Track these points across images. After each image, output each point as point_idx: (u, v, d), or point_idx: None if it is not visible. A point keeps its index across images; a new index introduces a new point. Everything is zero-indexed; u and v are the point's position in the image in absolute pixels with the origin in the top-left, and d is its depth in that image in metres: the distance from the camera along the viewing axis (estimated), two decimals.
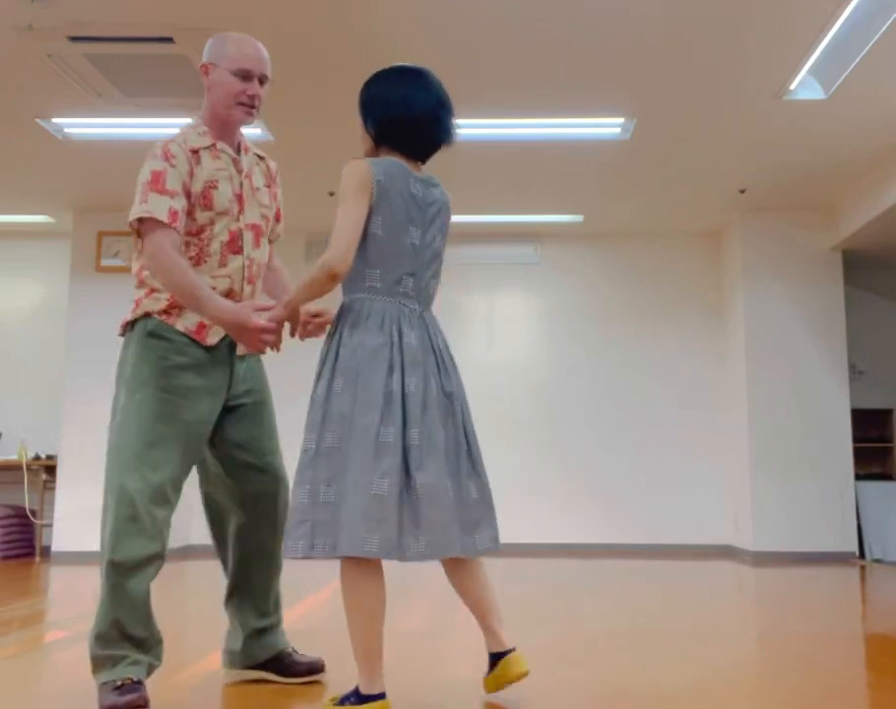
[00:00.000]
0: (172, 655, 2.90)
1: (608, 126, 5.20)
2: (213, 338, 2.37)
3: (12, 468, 6.93)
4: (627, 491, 7.06)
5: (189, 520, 7.05)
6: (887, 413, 7.41)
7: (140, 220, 2.27)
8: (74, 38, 4.12)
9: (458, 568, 2.30)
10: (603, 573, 5.48)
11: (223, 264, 2.38)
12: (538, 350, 7.26)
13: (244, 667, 2.54)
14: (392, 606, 4.00)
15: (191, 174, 2.33)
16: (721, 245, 7.28)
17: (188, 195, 2.32)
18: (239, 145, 2.50)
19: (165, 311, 2.34)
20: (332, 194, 6.38)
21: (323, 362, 2.21)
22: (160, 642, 2.32)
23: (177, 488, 2.31)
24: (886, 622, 3.56)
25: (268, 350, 2.28)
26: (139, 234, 2.31)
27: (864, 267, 7.45)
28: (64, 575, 5.43)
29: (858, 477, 7.16)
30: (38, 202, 6.63)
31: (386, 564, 2.40)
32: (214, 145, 2.41)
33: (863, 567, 5.95)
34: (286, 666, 2.52)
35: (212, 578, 5.22)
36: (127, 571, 2.20)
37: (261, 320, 2.21)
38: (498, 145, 5.44)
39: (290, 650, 2.57)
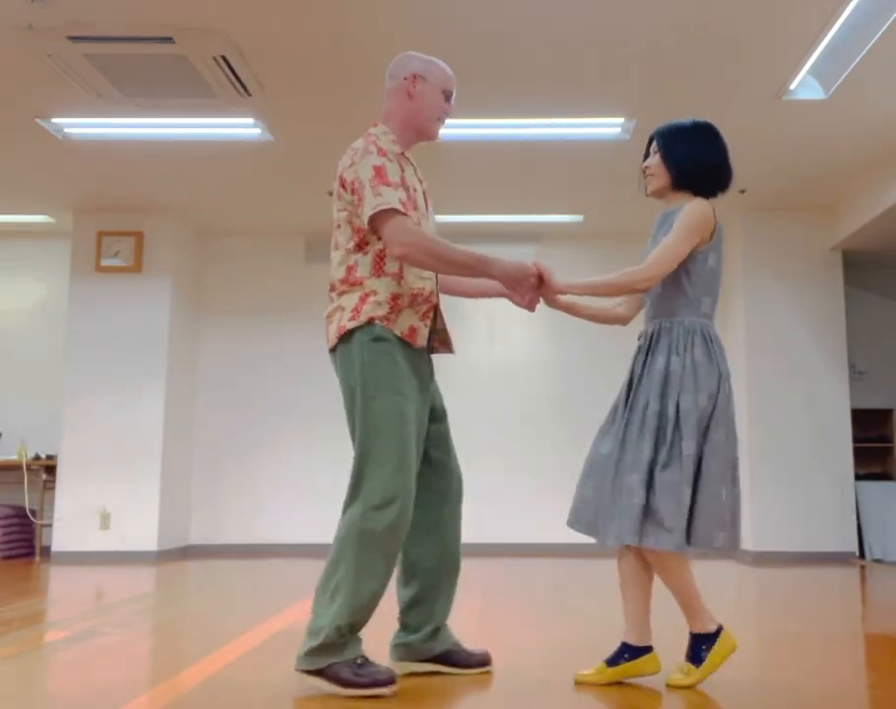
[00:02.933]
0: (173, 655, 2.90)
1: (607, 126, 5.20)
2: (422, 340, 2.48)
3: (12, 468, 6.93)
4: None
5: (189, 520, 7.05)
6: (887, 413, 7.40)
7: (378, 214, 2.33)
8: (74, 38, 4.12)
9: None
10: (603, 573, 5.48)
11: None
12: (538, 349, 7.26)
13: (419, 660, 2.60)
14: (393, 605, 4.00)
15: (403, 179, 2.44)
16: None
17: (406, 186, 2.43)
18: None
19: (387, 317, 2.41)
20: (331, 194, 6.37)
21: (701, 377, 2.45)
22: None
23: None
24: (886, 622, 3.56)
25: (529, 308, 2.58)
26: (374, 230, 2.38)
27: (864, 267, 7.45)
28: (64, 575, 5.43)
29: (858, 477, 7.15)
30: (38, 202, 6.63)
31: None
32: (403, 153, 2.53)
33: (863, 567, 5.94)
34: (460, 658, 2.61)
35: (212, 578, 5.23)
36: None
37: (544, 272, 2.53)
38: (498, 145, 5.44)
39: (459, 644, 2.66)
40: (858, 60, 4.29)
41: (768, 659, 2.82)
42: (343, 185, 2.45)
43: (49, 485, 6.85)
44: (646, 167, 2.63)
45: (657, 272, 2.43)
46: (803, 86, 4.70)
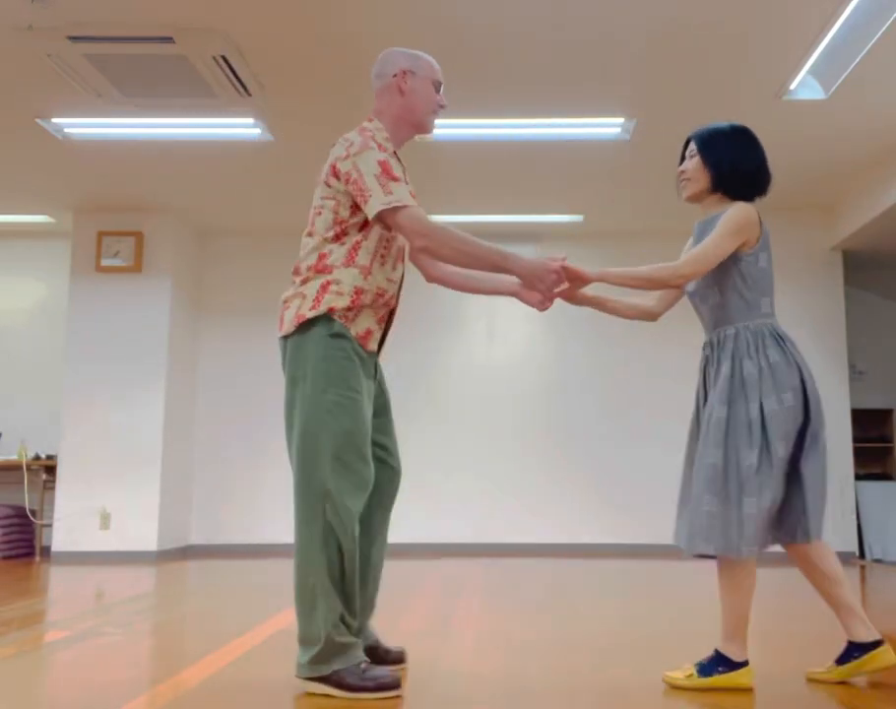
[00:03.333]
0: (173, 655, 2.90)
1: (607, 126, 5.20)
2: (373, 345, 2.46)
3: (12, 468, 6.93)
4: (627, 491, 7.06)
5: (189, 520, 7.06)
6: (887, 413, 7.40)
7: (392, 210, 2.31)
8: (74, 38, 4.12)
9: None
10: (603, 573, 5.48)
11: (394, 268, 2.48)
12: (538, 349, 7.26)
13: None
14: (394, 605, 4.00)
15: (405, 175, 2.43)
16: None
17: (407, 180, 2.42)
18: None
19: (346, 313, 2.37)
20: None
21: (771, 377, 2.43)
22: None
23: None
24: (886, 622, 3.56)
25: (540, 308, 2.57)
26: (384, 223, 2.37)
27: (864, 267, 7.45)
28: (64, 575, 5.43)
29: (858, 477, 7.15)
30: (38, 202, 6.63)
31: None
32: (395, 152, 2.49)
33: (863, 567, 5.94)
34: (379, 655, 2.58)
35: (212, 578, 5.23)
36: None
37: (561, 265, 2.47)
38: (498, 145, 5.44)
39: (379, 641, 2.63)
40: (858, 60, 4.29)
41: (767, 659, 2.83)
42: (335, 175, 2.41)
43: (49, 485, 6.85)
44: (682, 171, 2.61)
45: (694, 269, 2.42)
46: (803, 86, 4.70)
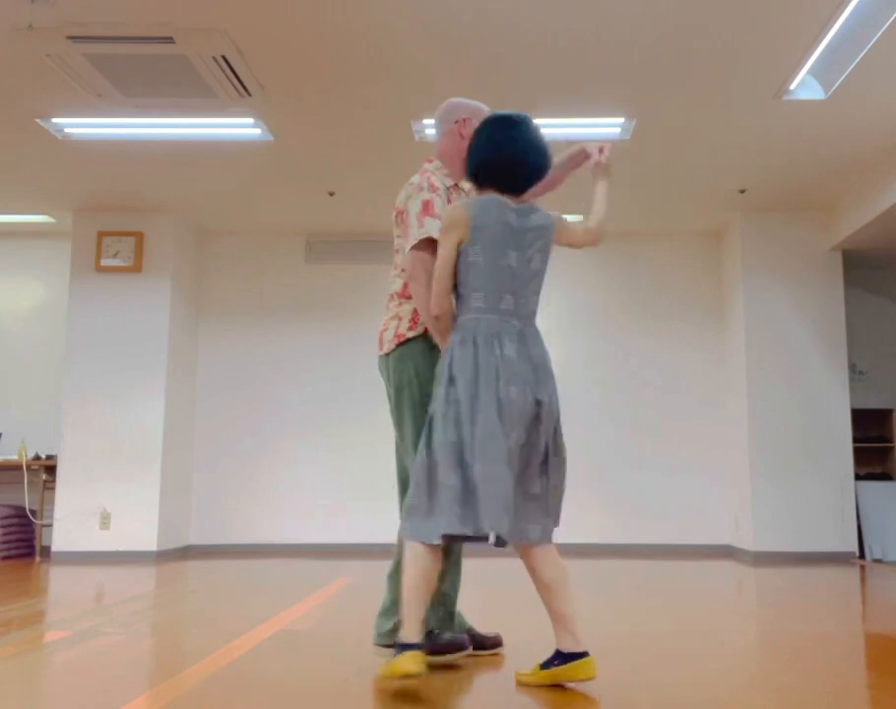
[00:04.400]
0: (173, 655, 2.90)
1: (608, 126, 5.20)
2: None
3: (12, 468, 6.93)
4: (627, 491, 7.06)
5: (189, 520, 7.06)
6: (887, 413, 7.40)
7: (417, 243, 2.60)
8: (74, 38, 4.12)
9: (525, 555, 2.49)
10: (602, 573, 5.48)
11: None
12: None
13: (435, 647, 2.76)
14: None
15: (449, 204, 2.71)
16: (721, 245, 7.28)
17: None
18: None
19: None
20: (332, 194, 6.38)
21: (441, 373, 2.47)
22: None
23: None
24: (886, 622, 3.56)
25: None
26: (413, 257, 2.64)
27: (864, 267, 7.45)
28: (64, 575, 5.43)
29: (858, 477, 7.16)
30: (38, 202, 6.63)
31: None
32: (456, 184, 2.84)
33: (863, 567, 5.94)
34: (477, 641, 2.88)
35: (212, 578, 5.23)
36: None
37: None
38: None
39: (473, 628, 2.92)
40: (858, 60, 4.29)
41: (767, 659, 2.83)
42: (398, 215, 2.77)
43: (49, 485, 6.85)
44: None
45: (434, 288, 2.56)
46: (803, 86, 4.70)
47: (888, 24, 3.95)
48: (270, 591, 4.60)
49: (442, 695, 2.35)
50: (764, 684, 2.47)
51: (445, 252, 2.48)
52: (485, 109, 2.88)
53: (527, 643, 3.08)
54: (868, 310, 7.53)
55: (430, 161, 2.88)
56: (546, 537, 2.48)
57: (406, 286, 2.74)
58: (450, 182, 2.83)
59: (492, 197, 2.51)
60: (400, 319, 2.73)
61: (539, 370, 2.45)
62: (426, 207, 2.65)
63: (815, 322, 6.67)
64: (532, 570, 2.48)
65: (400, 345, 2.72)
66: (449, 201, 2.76)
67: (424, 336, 2.69)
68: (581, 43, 4.23)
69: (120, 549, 6.44)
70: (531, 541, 2.45)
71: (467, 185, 2.89)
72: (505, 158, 2.51)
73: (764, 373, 6.63)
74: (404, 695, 2.35)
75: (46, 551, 6.82)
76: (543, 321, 7.23)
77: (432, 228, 2.60)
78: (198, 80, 4.53)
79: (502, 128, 2.54)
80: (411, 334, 2.70)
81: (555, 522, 2.51)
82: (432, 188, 2.69)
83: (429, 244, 2.60)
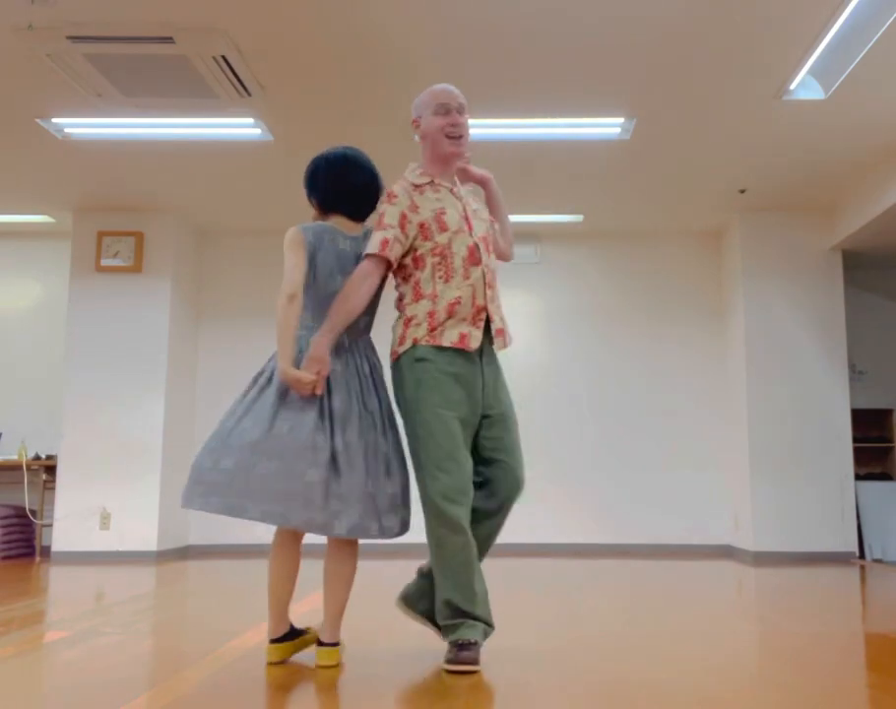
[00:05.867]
0: (173, 655, 2.90)
1: (608, 126, 5.20)
2: (475, 343, 2.68)
3: (12, 468, 6.93)
4: (627, 491, 7.06)
5: (189, 520, 7.06)
6: (887, 413, 7.41)
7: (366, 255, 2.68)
8: (74, 38, 4.12)
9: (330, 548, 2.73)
10: (602, 573, 5.48)
11: (466, 276, 2.69)
12: (537, 349, 7.26)
13: (426, 615, 2.87)
14: (394, 605, 4.00)
15: (414, 207, 2.70)
16: (721, 245, 7.28)
17: (404, 225, 2.68)
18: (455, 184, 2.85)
19: (429, 333, 2.66)
20: None
21: (259, 378, 2.68)
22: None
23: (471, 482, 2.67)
24: (886, 622, 3.56)
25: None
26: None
27: (864, 267, 7.46)
28: (64, 575, 5.43)
29: (858, 477, 7.16)
30: (38, 202, 6.63)
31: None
32: (432, 181, 2.79)
33: (863, 567, 5.94)
34: None
35: (212, 578, 5.23)
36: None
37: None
38: (498, 145, 5.44)
39: None
40: (858, 60, 4.29)
41: (767, 659, 2.83)
42: None
43: (49, 485, 6.85)
44: None
45: (285, 285, 2.67)
46: (803, 86, 4.70)
47: (888, 24, 3.95)
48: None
49: (446, 695, 2.35)
50: (764, 684, 2.47)
51: (296, 259, 2.66)
52: (428, 91, 2.83)
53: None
54: (868, 310, 7.54)
55: (410, 164, 2.90)
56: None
57: (400, 298, 2.77)
58: (424, 180, 2.79)
59: (325, 225, 2.74)
60: (394, 335, 2.76)
61: (368, 382, 2.69)
62: (380, 220, 2.70)
63: (815, 322, 6.67)
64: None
65: (394, 362, 2.75)
66: (412, 200, 2.73)
67: (414, 347, 2.68)
68: (581, 43, 4.23)
69: (120, 549, 6.44)
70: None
71: (448, 182, 2.84)
72: (346, 190, 2.76)
73: (764, 373, 6.63)
74: (405, 696, 2.35)
75: (46, 551, 6.82)
76: (542, 321, 7.24)
77: (372, 245, 2.66)
78: (198, 80, 4.53)
79: (341, 163, 2.78)
80: (401, 350, 2.71)
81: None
82: (389, 198, 2.72)
83: (372, 258, 2.66)
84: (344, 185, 2.76)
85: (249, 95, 4.73)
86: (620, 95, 4.80)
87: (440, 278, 2.68)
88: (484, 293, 2.72)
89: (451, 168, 2.83)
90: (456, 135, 2.77)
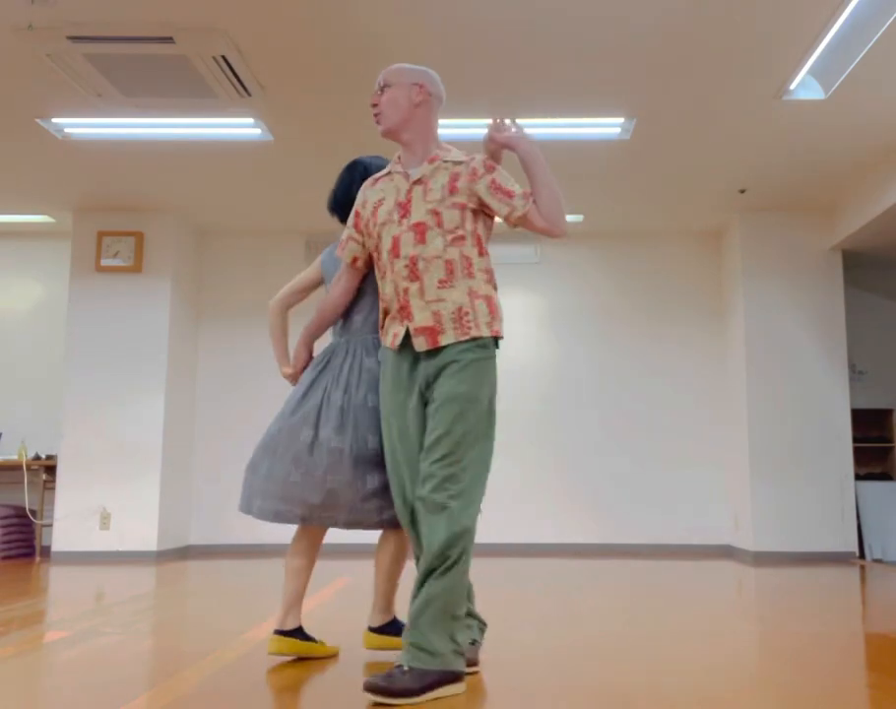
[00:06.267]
0: (172, 655, 2.90)
1: (608, 126, 5.20)
2: (397, 342, 2.56)
3: (12, 468, 6.93)
4: (626, 491, 7.06)
5: (189, 520, 7.06)
6: (887, 413, 7.40)
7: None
8: (74, 38, 4.12)
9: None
10: (602, 573, 5.48)
11: (392, 270, 2.55)
12: (537, 349, 7.26)
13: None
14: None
15: (364, 203, 2.67)
16: (721, 245, 7.28)
17: (357, 223, 2.68)
18: (433, 159, 2.58)
19: (383, 333, 2.64)
20: None
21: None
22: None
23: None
24: (886, 622, 3.56)
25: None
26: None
27: (864, 267, 7.45)
28: (64, 575, 5.43)
29: (858, 477, 7.16)
30: (38, 202, 6.63)
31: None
32: (390, 172, 2.64)
33: (863, 567, 5.94)
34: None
35: (212, 578, 5.23)
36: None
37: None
38: None
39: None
40: (858, 60, 4.29)
41: (767, 659, 2.83)
42: None
43: (49, 485, 6.85)
44: None
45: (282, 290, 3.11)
46: (803, 86, 4.70)
47: (888, 24, 3.95)
48: (270, 591, 4.60)
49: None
50: (764, 684, 2.47)
51: (306, 275, 3.01)
52: (441, 85, 2.69)
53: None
54: (868, 310, 7.54)
55: None
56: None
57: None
58: (384, 172, 2.65)
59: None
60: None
61: (357, 377, 2.78)
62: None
63: (815, 322, 6.67)
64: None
65: None
66: (372, 187, 2.65)
67: (383, 349, 2.66)
68: (581, 43, 4.23)
69: (120, 549, 6.44)
70: None
71: (415, 172, 2.59)
72: (339, 193, 2.89)
73: (764, 373, 6.63)
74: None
75: (46, 551, 6.82)
76: (542, 321, 7.24)
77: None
78: (198, 80, 4.53)
79: (342, 172, 2.93)
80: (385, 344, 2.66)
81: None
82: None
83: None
84: (336, 193, 2.92)
85: (249, 95, 4.73)
86: (620, 95, 4.80)
87: (379, 275, 2.61)
88: (405, 287, 2.50)
89: (404, 147, 2.62)
90: (373, 113, 2.65)
